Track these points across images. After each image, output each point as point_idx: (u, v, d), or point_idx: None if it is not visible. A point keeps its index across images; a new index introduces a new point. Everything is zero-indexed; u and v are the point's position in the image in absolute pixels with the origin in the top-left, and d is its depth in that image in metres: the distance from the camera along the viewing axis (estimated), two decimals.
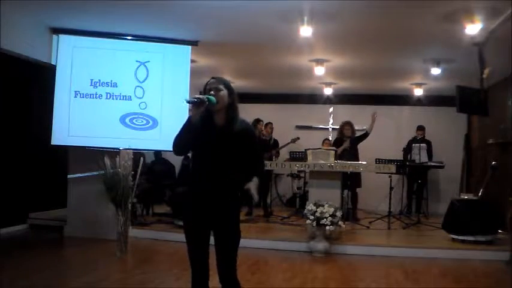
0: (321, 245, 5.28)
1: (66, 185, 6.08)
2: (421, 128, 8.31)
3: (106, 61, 5.72)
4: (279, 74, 7.78)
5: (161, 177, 7.37)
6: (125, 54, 5.77)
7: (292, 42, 5.47)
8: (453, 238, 5.70)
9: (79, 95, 5.62)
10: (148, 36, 5.77)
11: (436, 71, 6.50)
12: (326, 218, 5.17)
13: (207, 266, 2.48)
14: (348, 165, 6.05)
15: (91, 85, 5.64)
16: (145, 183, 6.65)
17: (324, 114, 8.05)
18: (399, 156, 7.20)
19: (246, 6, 4.59)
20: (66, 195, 6.14)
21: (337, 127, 7.38)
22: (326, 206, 5.26)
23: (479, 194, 5.88)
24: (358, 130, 7.38)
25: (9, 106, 6.23)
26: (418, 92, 8.26)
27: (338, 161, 6.12)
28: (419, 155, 7.95)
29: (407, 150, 7.66)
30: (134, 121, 5.74)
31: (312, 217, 5.24)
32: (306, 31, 4.94)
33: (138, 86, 5.76)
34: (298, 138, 8.20)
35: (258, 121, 7.45)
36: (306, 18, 4.77)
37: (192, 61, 6.17)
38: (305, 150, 6.42)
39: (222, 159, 2.42)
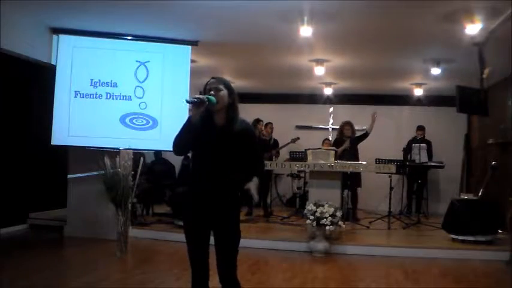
0: (321, 245, 5.28)
1: (66, 185, 6.08)
2: (421, 128, 8.31)
3: (106, 61, 5.72)
4: (279, 74, 7.78)
5: (161, 177, 7.37)
6: (124, 54, 5.77)
7: (292, 42, 5.47)
8: (453, 238, 5.70)
9: (79, 95, 5.62)
10: (148, 36, 5.77)
11: (436, 71, 6.51)
12: (326, 218, 5.17)
13: (207, 266, 2.48)
14: (348, 165, 6.05)
15: (91, 85, 5.64)
16: (145, 183, 6.65)
17: (324, 114, 8.05)
18: (399, 156, 7.20)
19: (246, 6, 4.59)
20: (66, 195, 6.14)
21: (337, 127, 7.38)
22: (326, 206, 5.26)
23: (479, 194, 5.88)
24: (358, 130, 7.39)
25: (9, 106, 6.23)
26: (418, 92, 8.26)
27: (338, 161, 6.12)
28: (419, 155, 7.95)
29: (407, 150, 7.67)
30: (134, 121, 5.74)
31: (312, 217, 5.24)
32: (306, 31, 4.94)
33: (138, 86, 5.76)
34: (298, 138, 8.20)
35: (258, 121, 7.45)
36: (306, 18, 4.77)
37: (192, 61, 6.17)
38: (305, 150, 6.42)
39: (222, 159, 2.42)
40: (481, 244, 5.41)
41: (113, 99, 5.69)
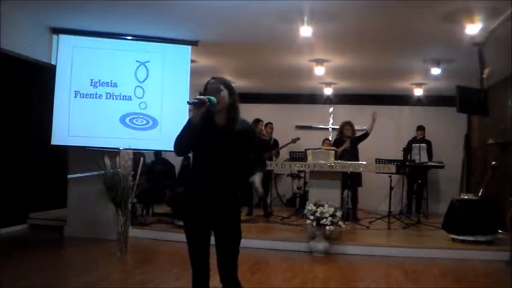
0: (321, 245, 5.28)
1: (66, 185, 6.08)
2: (421, 128, 8.31)
3: (106, 61, 5.72)
4: (279, 74, 7.78)
5: (161, 177, 7.37)
6: (124, 54, 5.77)
7: (292, 42, 5.47)
8: (453, 238, 5.70)
9: (79, 95, 5.62)
10: (148, 36, 5.77)
11: (436, 71, 6.50)
12: (326, 218, 5.17)
13: (208, 266, 2.48)
14: (348, 165, 6.05)
15: (91, 85, 5.64)
16: (145, 183, 6.65)
17: (324, 114, 8.05)
18: (399, 156, 7.20)
19: (246, 6, 4.59)
20: (66, 195, 6.14)
21: (337, 127, 7.38)
22: (326, 206, 5.26)
23: (479, 194, 5.88)
24: (358, 130, 7.39)
25: (9, 106, 6.23)
26: (418, 92, 8.26)
27: (338, 161, 6.12)
28: (419, 155, 7.95)
29: (407, 150, 7.67)
30: (134, 121, 5.74)
31: (312, 217, 5.24)
32: (306, 31, 4.94)
33: (138, 86, 5.76)
34: (299, 138, 8.20)
35: (258, 121, 7.44)
36: (306, 18, 4.77)
37: (192, 61, 6.17)
38: (305, 150, 6.43)
39: (222, 159, 2.42)
40: (481, 244, 5.41)
41: (113, 99, 5.69)
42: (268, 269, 4.84)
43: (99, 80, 5.66)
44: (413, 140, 8.18)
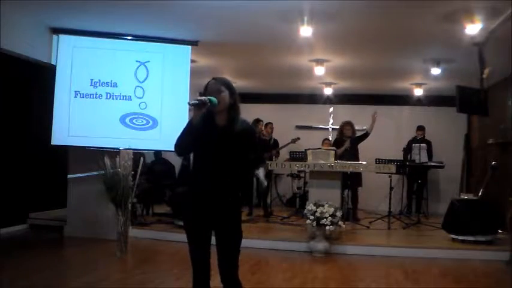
0: (321, 245, 5.28)
1: (66, 185, 6.08)
2: (421, 128, 8.31)
3: (106, 61, 5.72)
4: (279, 74, 7.78)
5: (161, 177, 7.37)
6: (124, 54, 5.77)
7: (292, 42, 5.47)
8: (453, 238, 5.70)
9: (79, 95, 5.62)
10: (148, 36, 5.77)
11: (436, 71, 6.50)
12: (326, 218, 5.17)
13: (209, 266, 2.48)
14: (348, 165, 6.05)
15: (91, 85, 5.64)
16: (145, 183, 6.65)
17: (324, 114, 8.05)
18: (399, 156, 7.20)
19: (246, 6, 4.59)
20: (66, 195, 6.14)
21: (337, 127, 7.38)
22: (326, 206, 5.26)
23: (479, 194, 5.88)
24: (358, 130, 7.39)
25: (9, 106, 6.23)
26: (418, 92, 8.26)
27: (338, 161, 6.12)
28: (419, 155, 7.95)
29: (407, 150, 7.67)
30: (134, 121, 5.74)
31: (312, 217, 5.24)
32: (306, 31, 4.94)
33: (138, 86, 5.76)
34: (299, 138, 8.20)
35: (258, 121, 7.45)
36: (306, 18, 4.77)
37: (192, 61, 6.17)
38: (305, 150, 6.42)
39: (223, 159, 2.42)
40: (481, 244, 5.41)
41: (113, 99, 5.68)
42: (268, 269, 4.84)
43: (99, 80, 5.66)
44: (413, 140, 8.18)
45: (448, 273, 4.72)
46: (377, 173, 6.63)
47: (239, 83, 8.13)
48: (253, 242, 5.42)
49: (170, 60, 5.88)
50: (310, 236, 5.40)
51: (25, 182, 6.42)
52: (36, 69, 6.02)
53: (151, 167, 7.52)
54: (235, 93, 2.48)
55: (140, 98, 5.76)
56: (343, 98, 9.09)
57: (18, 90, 6.44)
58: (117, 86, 5.70)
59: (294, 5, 4.47)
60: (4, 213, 5.94)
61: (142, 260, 5.06)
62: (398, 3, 4.32)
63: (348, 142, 7.07)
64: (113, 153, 5.22)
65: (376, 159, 7.06)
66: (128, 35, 5.80)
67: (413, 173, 7.78)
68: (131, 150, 5.33)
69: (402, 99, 8.88)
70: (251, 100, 8.41)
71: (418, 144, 8.03)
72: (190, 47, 5.91)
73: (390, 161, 6.68)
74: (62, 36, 5.63)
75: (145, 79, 5.79)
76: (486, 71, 5.60)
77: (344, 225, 5.53)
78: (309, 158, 6.08)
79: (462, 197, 6.13)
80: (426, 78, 7.37)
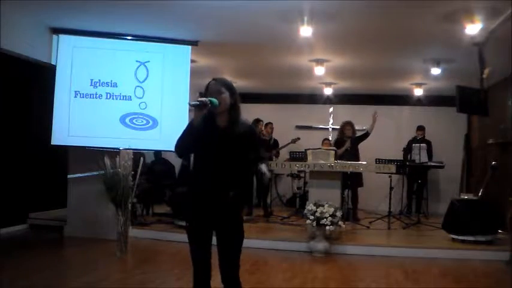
0: (321, 245, 5.28)
1: (66, 185, 6.08)
2: (421, 128, 8.31)
3: (106, 61, 5.72)
4: (279, 74, 7.78)
5: (161, 177, 7.37)
6: (124, 54, 5.77)
7: (292, 42, 5.47)
8: (453, 238, 5.70)
9: (79, 95, 5.62)
10: (148, 36, 5.77)
11: (436, 71, 6.51)
12: (326, 218, 5.17)
13: (209, 266, 2.48)
14: (348, 165, 6.05)
15: (91, 85, 5.64)
16: (145, 183, 6.64)
17: (324, 114, 8.04)
18: (399, 156, 7.20)
19: (246, 6, 4.59)
20: (66, 195, 6.14)
21: (337, 127, 7.39)
22: (326, 206, 5.26)
23: (479, 194, 5.88)
24: (358, 130, 7.39)
25: (9, 106, 6.23)
26: (418, 92, 8.27)
27: (338, 161, 6.12)
28: (419, 155, 7.95)
29: (407, 150, 7.67)
30: (134, 121, 5.74)
31: (312, 217, 5.24)
32: (306, 31, 4.94)
33: (138, 86, 5.76)
34: (299, 138, 8.21)
35: (258, 121, 7.45)
36: (306, 18, 4.77)
37: (192, 61, 6.17)
38: (305, 150, 6.43)
39: (224, 160, 2.42)
40: (481, 244, 5.41)
41: (113, 99, 5.68)
42: (268, 269, 4.83)
43: (99, 80, 5.66)
44: (413, 140, 8.19)
45: (448, 273, 4.72)
46: (377, 173, 6.63)
47: (239, 83, 8.13)
48: (253, 242, 5.40)
49: (170, 60, 5.88)
50: (310, 236, 5.40)
51: (25, 182, 6.41)
52: (36, 69, 6.02)
53: (151, 167, 7.51)
54: (236, 94, 2.48)
55: (140, 98, 5.76)
56: (343, 98, 9.09)
57: (18, 90, 6.44)
58: (117, 86, 5.70)
59: (294, 5, 4.47)
60: (4, 213, 5.94)
61: (142, 260, 5.06)
62: (398, 3, 4.32)
63: (348, 142, 7.07)
64: (113, 153, 5.22)
65: (376, 159, 7.06)
66: (128, 35, 5.80)
67: (413, 173, 7.78)
68: (131, 150, 5.33)
69: (402, 99, 8.88)
70: (251, 100, 8.41)
71: (418, 144, 8.03)
72: (190, 47, 5.91)
73: (390, 161, 6.68)
74: (62, 36, 5.63)
75: (145, 79, 5.79)
76: (486, 71, 5.61)
77: (344, 225, 5.53)
78: (309, 158, 6.08)
79: (462, 197, 6.13)
80: (426, 78, 7.37)
